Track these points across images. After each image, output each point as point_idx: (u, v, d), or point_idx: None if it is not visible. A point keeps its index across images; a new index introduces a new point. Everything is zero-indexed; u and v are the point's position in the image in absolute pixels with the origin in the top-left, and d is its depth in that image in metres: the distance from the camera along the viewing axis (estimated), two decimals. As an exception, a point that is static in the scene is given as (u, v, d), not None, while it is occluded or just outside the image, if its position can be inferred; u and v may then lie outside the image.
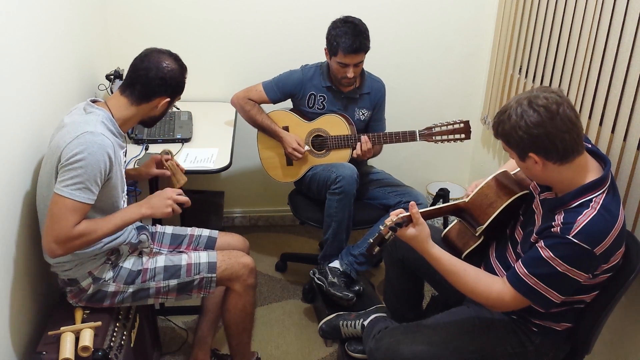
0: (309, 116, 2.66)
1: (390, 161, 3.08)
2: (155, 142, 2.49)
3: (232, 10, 2.91)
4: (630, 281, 1.62)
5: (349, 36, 2.40)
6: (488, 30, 3.10)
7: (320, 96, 2.63)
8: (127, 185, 1.96)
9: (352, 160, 2.58)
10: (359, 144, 2.52)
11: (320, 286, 2.51)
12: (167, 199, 1.86)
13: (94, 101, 1.81)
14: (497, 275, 1.77)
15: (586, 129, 2.20)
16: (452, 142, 2.45)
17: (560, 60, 2.39)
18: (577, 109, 2.25)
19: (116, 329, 1.86)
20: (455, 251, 1.86)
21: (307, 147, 2.63)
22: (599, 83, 2.12)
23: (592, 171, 1.57)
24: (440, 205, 1.87)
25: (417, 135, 2.46)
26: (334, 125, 2.60)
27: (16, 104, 1.75)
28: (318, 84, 2.62)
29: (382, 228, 1.65)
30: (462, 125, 2.42)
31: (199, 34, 2.94)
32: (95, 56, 2.64)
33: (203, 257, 2.01)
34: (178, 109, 2.75)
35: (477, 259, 1.89)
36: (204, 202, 2.95)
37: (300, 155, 2.61)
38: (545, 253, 1.53)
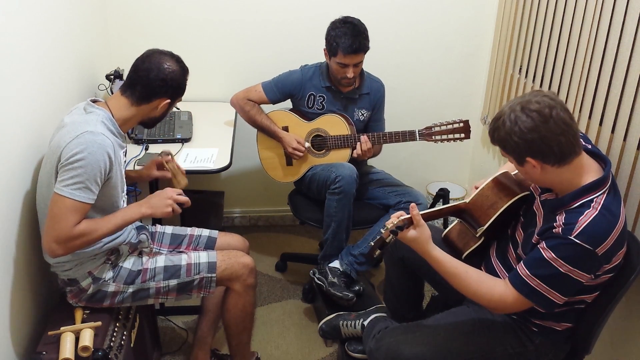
0: (308, 116, 2.66)
1: (390, 161, 3.08)
2: (155, 142, 2.49)
3: (232, 10, 2.91)
4: (631, 281, 1.62)
5: (348, 36, 2.40)
6: (488, 30, 3.10)
7: (319, 96, 2.63)
8: (127, 186, 1.96)
9: (352, 160, 2.58)
10: (358, 143, 2.52)
11: (320, 286, 2.51)
12: (167, 198, 1.86)
13: (94, 101, 1.81)
14: (498, 275, 1.77)
15: (586, 129, 2.20)
16: (451, 141, 2.45)
17: (560, 60, 2.39)
18: (577, 109, 2.25)
19: (116, 329, 1.86)
20: (456, 252, 1.86)
21: (307, 144, 2.63)
22: (599, 83, 2.12)
23: (592, 172, 1.57)
24: (440, 206, 1.87)
25: (417, 135, 2.46)
26: (334, 125, 2.60)
27: (16, 104, 1.75)
28: (317, 84, 2.62)
29: (383, 231, 1.65)
30: (461, 124, 2.42)
31: (199, 34, 2.94)
32: (95, 56, 2.64)
33: (203, 257, 2.01)
34: (178, 109, 2.75)
35: (478, 259, 1.89)
36: (204, 202, 2.95)
37: (300, 155, 2.61)
38: (547, 254, 1.53)
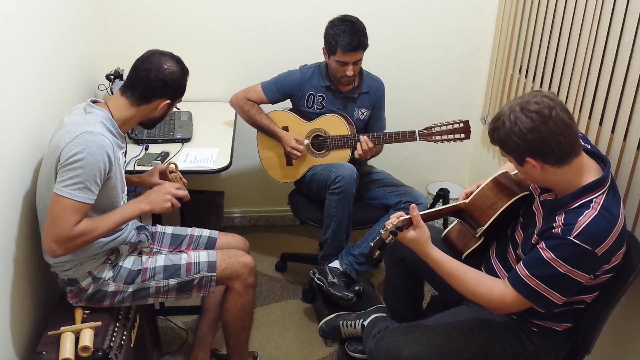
0: (308, 116, 2.66)
1: (390, 161, 3.08)
2: (155, 142, 2.49)
3: (232, 10, 2.91)
4: (631, 281, 1.62)
5: (347, 34, 2.40)
6: (488, 30, 3.10)
7: (319, 96, 2.63)
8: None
9: (352, 160, 2.58)
10: (358, 144, 2.52)
11: (320, 286, 2.51)
12: (165, 193, 1.86)
13: (94, 101, 1.81)
14: (498, 276, 1.77)
15: (586, 129, 2.20)
16: (451, 142, 2.45)
17: (560, 60, 2.39)
18: (577, 109, 2.25)
19: (116, 329, 1.86)
20: (455, 252, 1.86)
21: (307, 141, 2.63)
22: (599, 83, 2.12)
23: (591, 172, 1.57)
24: (440, 207, 1.87)
25: (417, 135, 2.46)
26: (334, 125, 2.60)
27: (16, 104, 1.75)
28: (317, 83, 2.62)
29: (382, 232, 1.65)
30: (461, 125, 2.42)
31: (199, 34, 2.94)
32: (95, 56, 2.64)
33: (203, 256, 2.01)
34: (178, 109, 2.75)
35: (478, 259, 1.89)
36: (204, 202, 2.95)
37: (299, 154, 2.61)
38: (547, 254, 1.53)
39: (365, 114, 2.68)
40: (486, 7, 3.06)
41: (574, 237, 1.48)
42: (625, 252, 1.60)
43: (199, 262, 1.98)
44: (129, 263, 1.92)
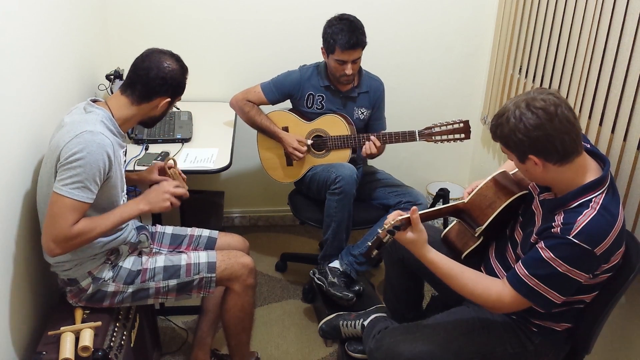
0: (308, 116, 2.66)
1: (391, 161, 3.08)
2: (155, 142, 2.49)
3: (232, 10, 2.91)
4: (630, 281, 1.62)
5: (345, 32, 2.40)
6: (488, 30, 3.10)
7: (319, 96, 2.63)
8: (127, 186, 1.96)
9: (352, 160, 2.58)
10: (368, 143, 2.49)
11: (320, 286, 2.51)
12: (164, 192, 1.86)
13: (94, 101, 1.82)
14: (498, 275, 1.77)
15: (586, 129, 2.20)
16: (451, 142, 2.45)
17: (560, 60, 2.39)
18: (577, 109, 2.25)
19: (116, 329, 1.86)
20: (455, 252, 1.86)
21: (309, 141, 2.62)
22: (599, 83, 2.12)
23: (591, 171, 1.57)
24: (439, 206, 1.87)
25: (417, 135, 2.46)
26: (334, 125, 2.60)
27: (16, 104, 1.75)
28: (316, 83, 2.62)
29: (380, 231, 1.65)
30: (461, 125, 2.41)
31: (199, 34, 2.94)
32: (95, 56, 2.64)
33: (202, 257, 2.01)
34: (178, 109, 2.75)
35: (477, 259, 1.89)
36: (204, 202, 2.95)
37: (301, 155, 2.61)
38: (546, 254, 1.53)
39: (365, 114, 2.68)
40: (486, 7, 3.06)
41: (573, 237, 1.48)
42: (625, 252, 1.60)
43: (198, 263, 1.98)
44: (128, 263, 1.92)
